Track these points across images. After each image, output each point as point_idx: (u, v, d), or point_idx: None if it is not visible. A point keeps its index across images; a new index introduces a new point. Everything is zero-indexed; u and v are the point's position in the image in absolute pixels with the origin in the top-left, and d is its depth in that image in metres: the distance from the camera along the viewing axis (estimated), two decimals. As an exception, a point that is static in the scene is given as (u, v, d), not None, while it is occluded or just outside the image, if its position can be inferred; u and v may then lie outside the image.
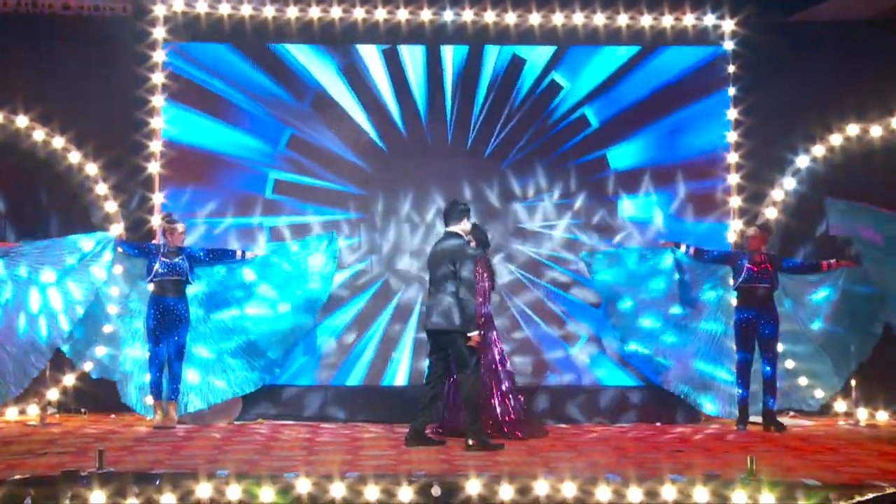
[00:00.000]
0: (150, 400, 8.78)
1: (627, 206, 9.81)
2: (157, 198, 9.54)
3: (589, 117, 9.86)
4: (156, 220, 9.47)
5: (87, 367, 8.90)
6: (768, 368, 8.82)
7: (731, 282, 9.03)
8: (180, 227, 8.82)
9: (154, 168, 9.54)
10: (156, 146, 9.55)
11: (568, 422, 9.29)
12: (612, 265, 9.20)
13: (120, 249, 8.88)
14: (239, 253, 9.05)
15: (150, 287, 8.71)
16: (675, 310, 9.13)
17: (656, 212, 9.78)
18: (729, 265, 9.06)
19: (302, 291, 9.03)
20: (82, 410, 9.39)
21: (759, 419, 8.91)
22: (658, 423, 9.22)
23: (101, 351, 8.88)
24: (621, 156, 9.84)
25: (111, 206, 9.43)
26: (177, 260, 8.71)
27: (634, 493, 5.90)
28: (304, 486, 5.91)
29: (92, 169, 9.43)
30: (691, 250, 9.12)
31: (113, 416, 9.26)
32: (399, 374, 9.64)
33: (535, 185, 9.83)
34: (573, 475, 6.04)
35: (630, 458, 7.18)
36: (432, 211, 9.80)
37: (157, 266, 8.64)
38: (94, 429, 8.55)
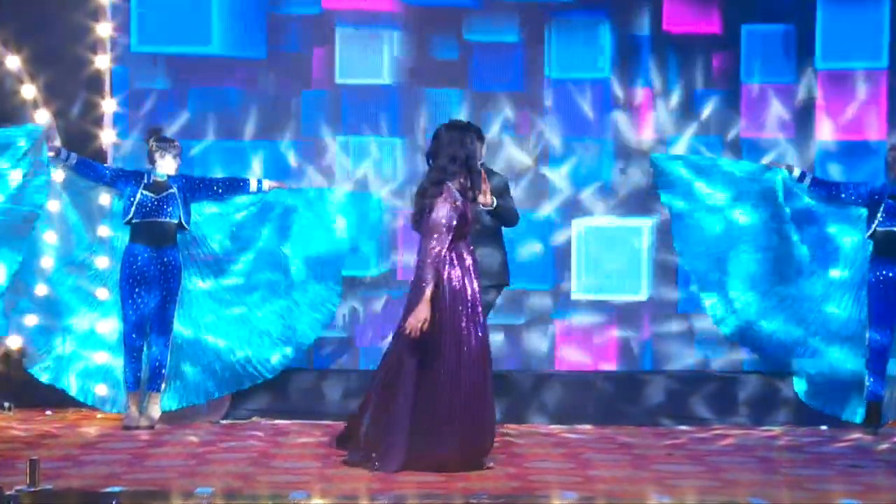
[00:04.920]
0: (102, 389, 8.94)
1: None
2: (109, 104, 9.63)
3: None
4: (106, 136, 9.56)
5: (13, 343, 9.03)
6: None
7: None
8: (175, 147, 8.85)
9: (103, 62, 9.61)
10: (104, 30, 9.61)
11: (691, 422, 9.30)
12: (688, 178, 9.01)
13: (61, 173, 8.84)
14: (253, 183, 9.05)
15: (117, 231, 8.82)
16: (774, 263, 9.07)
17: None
18: (863, 204, 8.85)
19: (326, 253, 9.10)
20: (6, 405, 9.56)
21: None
22: (823, 427, 9.19)
23: (31, 321, 8.99)
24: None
25: (43, 116, 9.50)
26: (166, 194, 8.72)
27: (789, 523, 5.94)
28: (317, 510, 6.01)
29: (14, 62, 9.50)
30: (808, 178, 8.96)
31: (49, 412, 9.41)
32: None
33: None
34: (699, 498, 6.04)
35: (782, 474, 7.18)
36: (499, 123, 9.86)
37: (136, 202, 8.66)
38: (23, 430, 8.70)
